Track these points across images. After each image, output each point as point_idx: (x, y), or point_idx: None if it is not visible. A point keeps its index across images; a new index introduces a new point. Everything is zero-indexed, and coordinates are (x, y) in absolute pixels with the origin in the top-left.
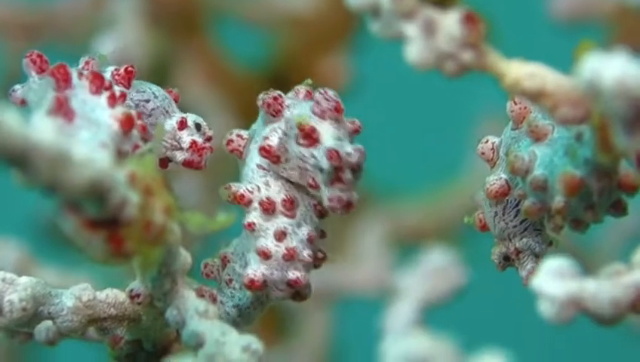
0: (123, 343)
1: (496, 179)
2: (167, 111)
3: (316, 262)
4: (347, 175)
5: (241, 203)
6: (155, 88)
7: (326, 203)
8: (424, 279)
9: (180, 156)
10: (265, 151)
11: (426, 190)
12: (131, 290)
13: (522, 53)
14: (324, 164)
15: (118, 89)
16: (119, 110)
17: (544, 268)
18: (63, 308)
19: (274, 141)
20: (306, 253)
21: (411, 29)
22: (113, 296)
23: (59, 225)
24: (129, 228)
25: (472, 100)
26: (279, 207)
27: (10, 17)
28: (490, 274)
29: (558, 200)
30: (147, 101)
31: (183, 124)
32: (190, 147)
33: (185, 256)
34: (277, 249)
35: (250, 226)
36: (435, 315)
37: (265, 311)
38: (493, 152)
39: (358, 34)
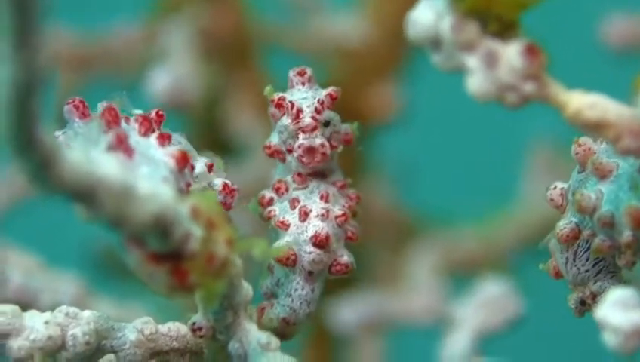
0: None
1: (567, 223)
2: (192, 156)
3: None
4: (304, 122)
5: (263, 203)
6: (175, 134)
7: (295, 156)
8: (480, 309)
9: None
10: (267, 149)
11: (478, 218)
12: (193, 323)
13: (574, 81)
14: (286, 121)
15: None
16: (173, 148)
17: (608, 298)
18: (125, 341)
19: (274, 139)
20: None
21: (472, 61)
22: (175, 329)
23: (115, 257)
24: (192, 261)
25: (524, 128)
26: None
27: (62, 49)
28: (543, 304)
29: (626, 235)
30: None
31: (211, 168)
32: (223, 189)
33: (247, 289)
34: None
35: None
36: (489, 346)
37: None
38: (562, 197)
39: (407, 63)
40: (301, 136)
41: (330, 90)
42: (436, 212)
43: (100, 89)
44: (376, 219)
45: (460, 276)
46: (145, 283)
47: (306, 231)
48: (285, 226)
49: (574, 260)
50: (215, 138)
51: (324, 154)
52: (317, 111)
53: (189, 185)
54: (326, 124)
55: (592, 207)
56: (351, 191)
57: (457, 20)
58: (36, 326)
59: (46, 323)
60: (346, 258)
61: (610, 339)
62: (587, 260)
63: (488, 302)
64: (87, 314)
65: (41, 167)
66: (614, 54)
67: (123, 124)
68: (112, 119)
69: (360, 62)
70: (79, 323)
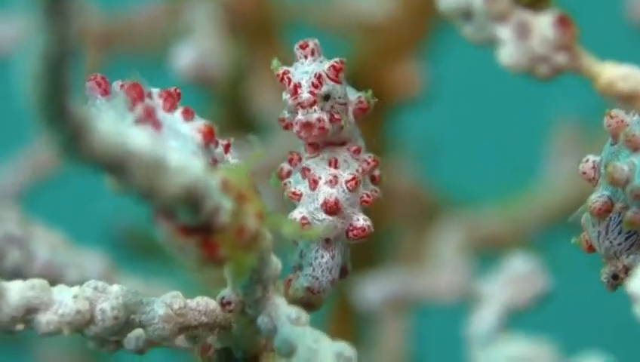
0: (212, 351)
1: (599, 196)
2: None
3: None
4: (302, 97)
5: (282, 176)
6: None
7: (294, 131)
8: (508, 285)
9: None
10: (282, 122)
11: (502, 197)
12: (222, 298)
13: (603, 54)
14: (285, 96)
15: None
16: (200, 122)
17: (639, 272)
18: (154, 316)
19: (284, 113)
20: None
21: (504, 32)
22: (204, 304)
23: (140, 236)
24: (222, 234)
25: (548, 107)
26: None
27: (85, 27)
28: (570, 281)
29: None
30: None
31: (227, 148)
32: None
33: (276, 263)
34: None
35: (295, 194)
36: (517, 322)
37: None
38: (595, 170)
39: (431, 40)
40: (300, 111)
41: (333, 61)
42: (460, 190)
43: (124, 66)
44: (401, 197)
45: (485, 254)
46: (174, 257)
47: (317, 199)
48: (297, 196)
49: (607, 233)
50: (239, 115)
51: (321, 128)
52: (314, 85)
53: (215, 160)
54: (326, 97)
55: (624, 179)
56: (367, 156)
57: None
58: (65, 300)
59: (74, 297)
60: (362, 221)
61: None
62: (619, 233)
63: (515, 278)
64: (115, 288)
65: (72, 137)
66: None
67: (147, 100)
68: (137, 96)
69: (384, 38)
70: (108, 297)
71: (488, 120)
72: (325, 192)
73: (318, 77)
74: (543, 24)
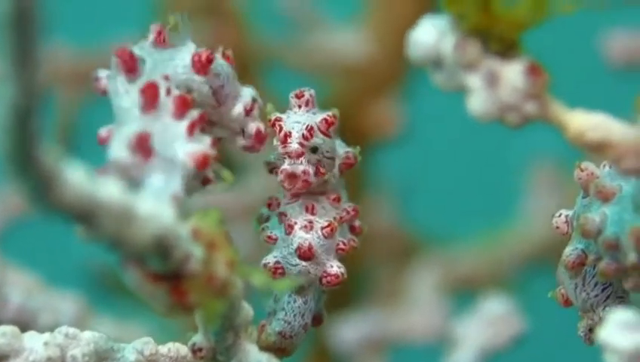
0: None
1: (572, 249)
2: (235, 96)
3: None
4: (290, 147)
5: (260, 220)
6: (225, 67)
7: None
8: (483, 327)
9: (241, 142)
10: (267, 165)
11: (478, 237)
12: (194, 344)
13: (577, 98)
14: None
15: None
16: (198, 147)
17: (610, 320)
18: None
19: (271, 158)
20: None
21: (474, 81)
22: (175, 350)
23: (115, 276)
24: (192, 281)
25: (525, 145)
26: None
27: (61, 66)
28: (545, 322)
29: (632, 257)
30: (222, 87)
31: (248, 111)
32: (255, 136)
33: (247, 310)
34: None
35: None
36: None
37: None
38: (568, 225)
39: (408, 80)
40: (286, 161)
41: (325, 114)
42: (437, 229)
43: (101, 104)
44: (378, 236)
45: (462, 294)
46: (145, 302)
47: (292, 244)
48: (272, 240)
49: (583, 285)
50: (219, 154)
51: (305, 181)
52: (304, 137)
53: (207, 180)
54: (314, 150)
55: (596, 230)
56: (347, 205)
57: (460, 40)
58: (35, 347)
59: (45, 344)
60: (335, 269)
61: (611, 361)
62: (596, 285)
63: (491, 319)
64: (86, 334)
65: (41, 188)
66: (616, 70)
67: (163, 96)
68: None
69: (361, 78)
70: (79, 343)
71: (465, 159)
72: (300, 237)
73: (309, 129)
74: (513, 73)
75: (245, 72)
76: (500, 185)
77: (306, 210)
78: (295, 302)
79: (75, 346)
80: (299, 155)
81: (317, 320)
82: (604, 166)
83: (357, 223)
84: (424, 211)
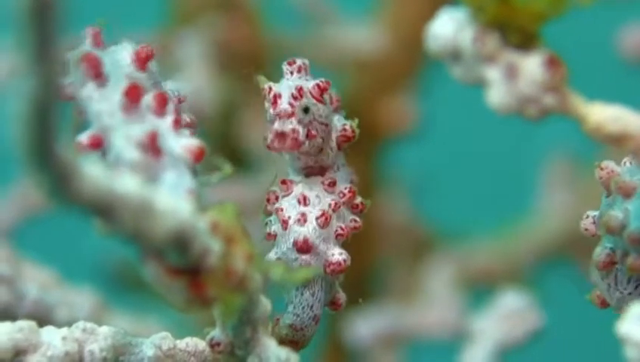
0: None
1: (601, 249)
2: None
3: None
4: (280, 107)
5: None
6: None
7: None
8: (500, 322)
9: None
10: (265, 141)
11: (494, 232)
12: (212, 339)
13: (594, 91)
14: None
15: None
16: (191, 141)
17: (630, 313)
18: (143, 357)
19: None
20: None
21: (493, 73)
22: (193, 345)
23: (131, 271)
24: (211, 275)
25: (541, 140)
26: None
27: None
28: (562, 316)
29: None
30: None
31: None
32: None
33: (265, 304)
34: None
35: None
36: (509, 359)
37: None
38: (595, 226)
39: (423, 74)
40: (277, 122)
41: (318, 80)
42: (453, 225)
43: None
44: (393, 231)
45: (477, 289)
46: (162, 297)
47: (289, 240)
48: (272, 237)
49: (616, 284)
50: (231, 150)
51: (294, 140)
52: (294, 97)
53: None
54: (305, 110)
55: (620, 226)
56: (343, 187)
57: (479, 32)
58: (53, 342)
59: (63, 338)
60: (337, 256)
61: (631, 354)
62: (629, 282)
63: (508, 314)
64: (104, 329)
65: (60, 182)
66: (632, 64)
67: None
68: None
69: (376, 73)
70: (96, 338)
71: (480, 154)
72: (295, 231)
73: (299, 89)
74: (532, 65)
75: (259, 67)
76: (515, 179)
77: (299, 202)
78: (302, 294)
79: (93, 341)
80: (289, 115)
81: (335, 304)
82: (625, 163)
83: (358, 201)
84: (439, 206)
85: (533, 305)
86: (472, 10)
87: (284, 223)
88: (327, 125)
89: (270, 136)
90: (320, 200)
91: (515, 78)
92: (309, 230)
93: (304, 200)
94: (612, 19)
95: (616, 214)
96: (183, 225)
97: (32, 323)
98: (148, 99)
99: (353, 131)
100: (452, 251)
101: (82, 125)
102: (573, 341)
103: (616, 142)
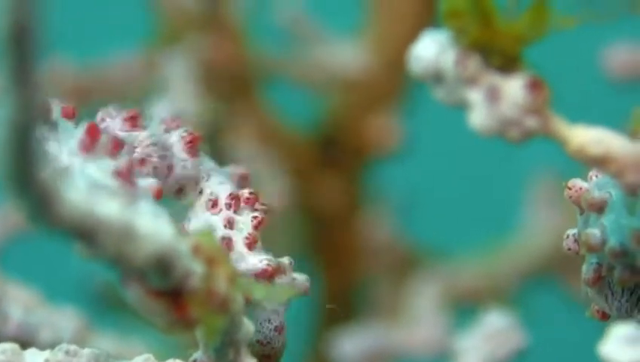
0: None
1: (588, 266)
2: None
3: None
4: None
5: None
6: None
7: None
8: (484, 342)
9: None
10: None
11: (479, 250)
12: (194, 361)
13: (579, 109)
14: None
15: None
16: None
17: (612, 334)
18: None
19: None
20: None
21: (475, 96)
22: None
23: (115, 291)
24: (193, 297)
25: (525, 159)
26: None
27: (60, 80)
28: (547, 335)
29: None
30: None
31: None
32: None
33: (248, 325)
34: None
35: None
36: None
37: None
38: (578, 243)
39: (408, 94)
40: None
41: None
42: (438, 243)
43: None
44: (378, 250)
45: (463, 307)
46: (145, 318)
47: None
48: None
49: (612, 295)
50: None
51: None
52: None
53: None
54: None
55: (600, 243)
56: (224, 196)
57: (460, 55)
58: None
59: (46, 361)
60: (258, 265)
61: None
62: (623, 291)
63: (492, 333)
64: (87, 351)
65: (40, 206)
66: (617, 84)
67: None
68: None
69: (361, 92)
70: (79, 361)
71: (466, 172)
72: None
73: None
74: (514, 88)
75: (244, 86)
76: (501, 198)
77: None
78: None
79: None
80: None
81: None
82: (591, 178)
83: (245, 196)
84: (425, 225)
85: (517, 324)
86: (453, 33)
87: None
88: (154, 145)
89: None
90: (213, 228)
91: (497, 100)
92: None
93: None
94: (596, 38)
95: (594, 232)
96: (164, 248)
97: (15, 346)
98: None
99: (193, 132)
100: (437, 269)
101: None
102: (558, 360)
103: (599, 165)
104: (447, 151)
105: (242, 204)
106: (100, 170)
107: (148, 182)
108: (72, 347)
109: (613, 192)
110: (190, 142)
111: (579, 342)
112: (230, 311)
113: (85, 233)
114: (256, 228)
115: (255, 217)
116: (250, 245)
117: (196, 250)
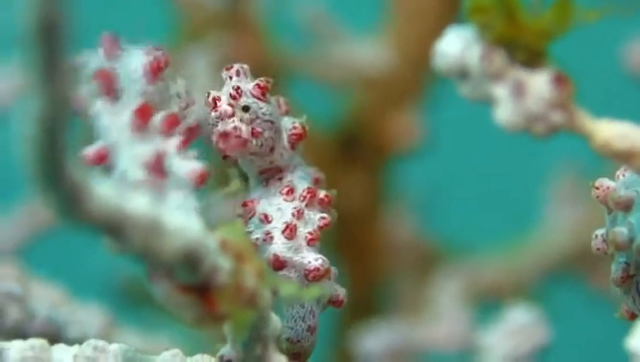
0: None
1: (616, 266)
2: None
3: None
4: (220, 109)
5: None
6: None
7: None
8: (508, 337)
9: None
10: None
11: (502, 246)
12: (222, 356)
13: (602, 107)
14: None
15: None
16: (197, 166)
17: (639, 329)
18: None
19: None
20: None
21: (500, 91)
22: None
23: (140, 286)
24: (221, 292)
25: (547, 155)
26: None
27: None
28: (569, 332)
29: None
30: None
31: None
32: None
33: (275, 321)
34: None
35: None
36: None
37: None
38: (606, 243)
39: (430, 90)
40: (220, 124)
41: (257, 80)
42: (460, 240)
43: None
44: (401, 247)
45: (485, 303)
46: (172, 314)
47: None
48: None
49: (639, 295)
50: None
51: (238, 137)
52: (232, 97)
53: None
54: (245, 109)
55: (627, 241)
56: (302, 189)
57: (486, 50)
58: (65, 360)
59: (75, 356)
60: (313, 263)
61: None
62: None
63: (515, 329)
64: (115, 347)
65: (70, 202)
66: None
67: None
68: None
69: (383, 90)
70: (107, 356)
71: (487, 168)
72: (265, 251)
73: (237, 89)
74: (539, 83)
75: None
76: (522, 194)
77: (262, 221)
78: (293, 307)
79: (104, 359)
80: (229, 116)
81: (336, 302)
82: (618, 176)
83: (321, 195)
84: (446, 221)
85: (541, 320)
86: (478, 29)
87: (255, 246)
88: (272, 123)
89: (215, 139)
90: (282, 212)
91: (523, 95)
92: (277, 246)
93: (266, 219)
94: (618, 33)
95: (621, 230)
96: (192, 243)
97: (43, 342)
98: (157, 119)
99: (303, 128)
100: (460, 266)
101: (91, 138)
102: (582, 356)
103: (624, 159)
104: (469, 147)
105: (315, 202)
106: (139, 152)
107: (194, 166)
108: (100, 342)
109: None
110: (295, 135)
111: (601, 338)
112: (258, 306)
113: (114, 228)
114: (321, 228)
115: (324, 218)
116: (312, 241)
117: (224, 246)
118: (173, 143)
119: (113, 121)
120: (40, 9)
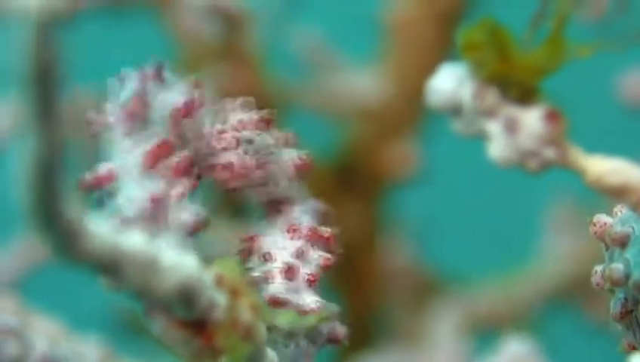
0: None
1: (615, 301)
2: None
3: None
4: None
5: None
6: None
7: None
8: None
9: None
10: None
11: (499, 276)
12: None
13: (596, 140)
14: None
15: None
16: (193, 217)
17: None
18: None
19: None
20: None
21: (493, 127)
22: None
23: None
24: (218, 326)
25: (544, 184)
26: None
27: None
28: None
29: None
30: None
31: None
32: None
33: (272, 356)
34: None
35: None
36: None
37: None
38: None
39: (426, 121)
40: (224, 156)
41: (261, 112)
42: (457, 269)
43: None
44: (396, 276)
45: (482, 333)
46: (169, 348)
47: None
48: None
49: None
50: (234, 197)
51: (242, 169)
52: (236, 129)
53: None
54: (249, 141)
55: (623, 277)
56: (304, 227)
57: (478, 87)
58: None
59: None
60: (310, 306)
61: None
62: None
63: (512, 360)
64: None
65: (65, 241)
66: (633, 110)
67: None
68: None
69: (377, 121)
70: None
71: (484, 198)
72: (264, 290)
73: (241, 121)
74: (532, 119)
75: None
76: (518, 224)
77: (262, 258)
78: (286, 348)
79: None
80: (234, 147)
81: (334, 340)
82: (616, 213)
83: (326, 234)
84: (443, 251)
85: (537, 350)
86: (471, 66)
87: (254, 283)
88: (276, 155)
89: (219, 172)
90: (284, 251)
91: (515, 132)
92: (275, 286)
93: (267, 256)
94: (611, 65)
95: (618, 266)
96: (188, 279)
97: None
98: (169, 161)
99: (309, 158)
100: (456, 295)
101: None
102: None
103: (617, 195)
104: (465, 176)
105: (318, 241)
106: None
107: (187, 215)
108: None
109: (636, 226)
110: (301, 167)
111: None
112: (255, 340)
113: (110, 267)
114: (322, 269)
115: (327, 259)
116: (311, 283)
117: (220, 281)
118: (178, 189)
119: (129, 150)
120: (36, 54)
